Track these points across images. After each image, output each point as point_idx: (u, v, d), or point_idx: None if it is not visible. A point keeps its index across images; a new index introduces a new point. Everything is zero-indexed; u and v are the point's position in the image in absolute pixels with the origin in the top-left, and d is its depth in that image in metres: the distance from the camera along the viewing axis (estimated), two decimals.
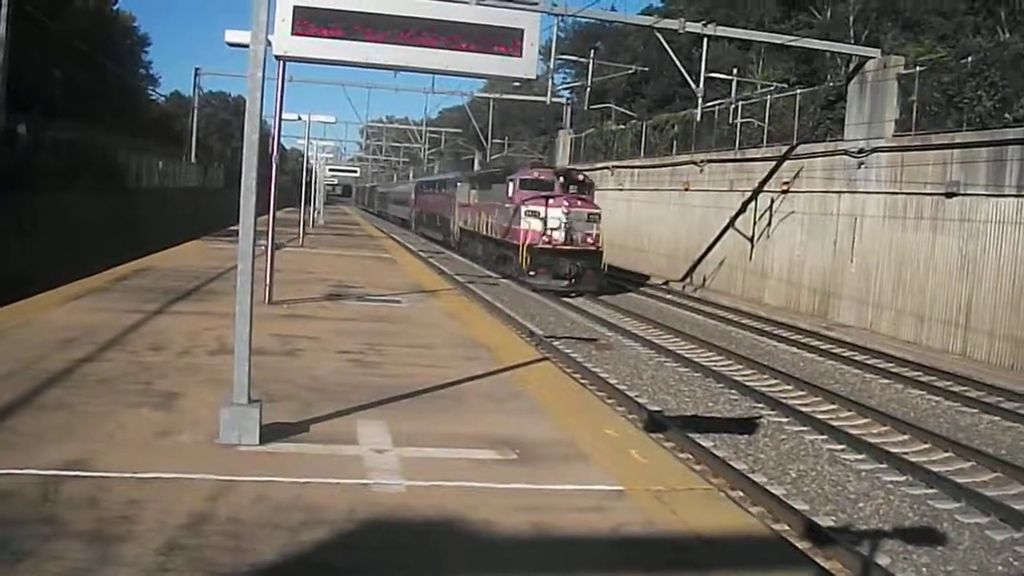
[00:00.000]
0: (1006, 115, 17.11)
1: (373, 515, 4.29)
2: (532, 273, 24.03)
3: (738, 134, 27.15)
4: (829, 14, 37.68)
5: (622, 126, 39.38)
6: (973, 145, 17.34)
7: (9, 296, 10.25)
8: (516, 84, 38.15)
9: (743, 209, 25.66)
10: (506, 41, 5.57)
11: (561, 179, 26.10)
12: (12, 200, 17.76)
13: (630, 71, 43.31)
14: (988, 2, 32.90)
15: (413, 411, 6.34)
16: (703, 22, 23.92)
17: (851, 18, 36.30)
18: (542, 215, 24.31)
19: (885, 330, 19.41)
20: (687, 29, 22.38)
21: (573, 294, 23.62)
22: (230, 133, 59.47)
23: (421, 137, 68.20)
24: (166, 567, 3.54)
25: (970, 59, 18.73)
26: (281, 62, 8.53)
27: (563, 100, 45.41)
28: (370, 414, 6.12)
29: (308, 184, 28.68)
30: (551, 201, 24.51)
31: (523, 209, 24.68)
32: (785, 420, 11.42)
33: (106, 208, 23.50)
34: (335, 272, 16.49)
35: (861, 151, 20.57)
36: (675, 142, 31.77)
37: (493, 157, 56.40)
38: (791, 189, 23.39)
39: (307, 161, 31.85)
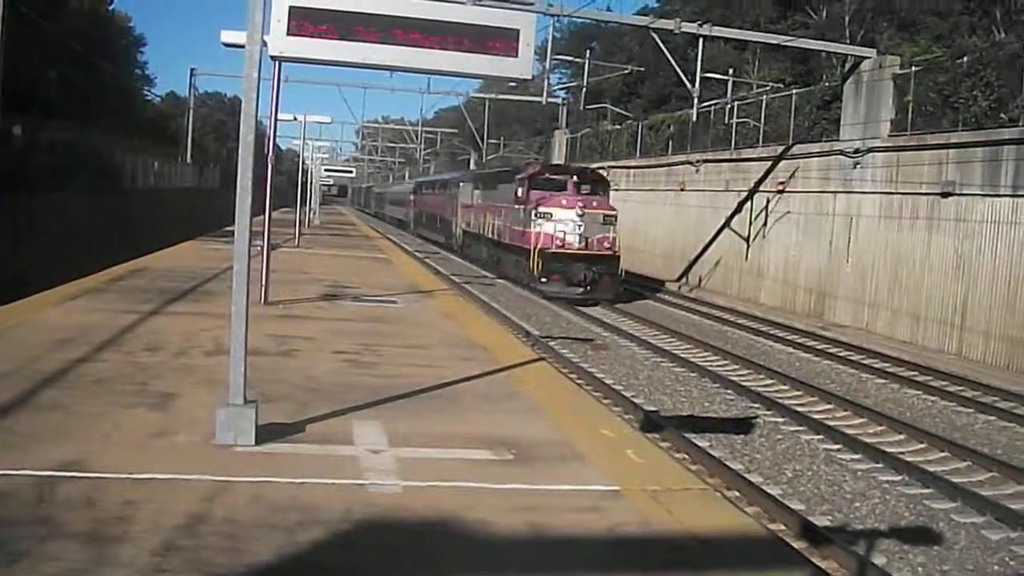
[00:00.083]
0: (1002, 115, 17.14)
1: (369, 515, 4.29)
2: (544, 280, 22.13)
3: (734, 134, 27.16)
4: (825, 14, 37.67)
5: (618, 126, 39.37)
6: (969, 145, 17.38)
7: (6, 296, 10.26)
8: (512, 84, 38.09)
9: (739, 209, 25.66)
10: (502, 41, 5.58)
11: (575, 178, 24.11)
12: (8, 201, 17.73)
13: (626, 71, 43.28)
14: (984, 2, 32.93)
15: (409, 411, 6.34)
16: (699, 22, 23.91)
17: (847, 18, 36.29)
18: (555, 217, 22.40)
19: (881, 330, 19.44)
20: (683, 29, 22.35)
21: (589, 303, 21.72)
22: (226, 134, 59.33)
23: (417, 137, 68.16)
24: (162, 568, 3.54)
25: (966, 59, 18.76)
26: (277, 62, 8.54)
27: (559, 100, 45.35)
28: (366, 414, 6.13)
29: (304, 184, 28.62)
30: (564, 202, 22.69)
31: (534, 211, 22.83)
32: (781, 420, 11.42)
33: (102, 209, 23.46)
34: (331, 272, 16.50)
35: (857, 151, 20.59)
36: (671, 142, 31.77)
37: (489, 157, 56.39)
38: (787, 189, 23.41)
39: (303, 162, 31.87)
